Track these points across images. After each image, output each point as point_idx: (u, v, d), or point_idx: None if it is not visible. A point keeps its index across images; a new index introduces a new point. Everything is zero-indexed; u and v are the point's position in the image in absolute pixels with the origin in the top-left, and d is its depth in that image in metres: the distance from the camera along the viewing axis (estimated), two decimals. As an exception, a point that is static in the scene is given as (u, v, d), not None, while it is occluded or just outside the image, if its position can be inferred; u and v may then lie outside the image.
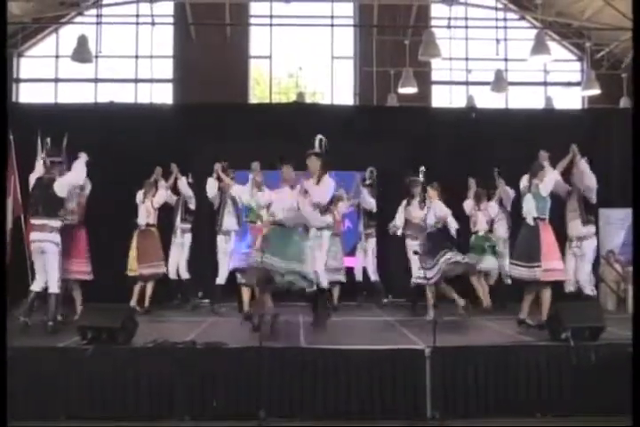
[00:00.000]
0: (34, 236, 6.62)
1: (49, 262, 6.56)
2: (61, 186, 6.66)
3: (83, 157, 6.95)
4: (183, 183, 8.66)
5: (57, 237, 6.61)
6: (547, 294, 6.68)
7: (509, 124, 10.00)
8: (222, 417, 5.04)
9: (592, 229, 7.22)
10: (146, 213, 8.35)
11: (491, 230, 8.58)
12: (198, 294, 9.14)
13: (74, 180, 6.79)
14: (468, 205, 8.63)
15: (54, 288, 6.53)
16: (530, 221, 6.74)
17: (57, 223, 6.63)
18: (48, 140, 7.11)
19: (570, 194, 7.21)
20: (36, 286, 6.63)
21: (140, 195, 8.44)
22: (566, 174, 7.14)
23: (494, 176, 8.57)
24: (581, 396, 5.20)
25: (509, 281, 8.60)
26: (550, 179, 6.75)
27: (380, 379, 5.16)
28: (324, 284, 6.89)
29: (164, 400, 5.09)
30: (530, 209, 6.74)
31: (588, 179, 6.98)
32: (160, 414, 5.07)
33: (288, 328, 6.73)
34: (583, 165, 6.99)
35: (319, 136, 6.82)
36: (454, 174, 9.05)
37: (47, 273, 6.57)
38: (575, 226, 7.12)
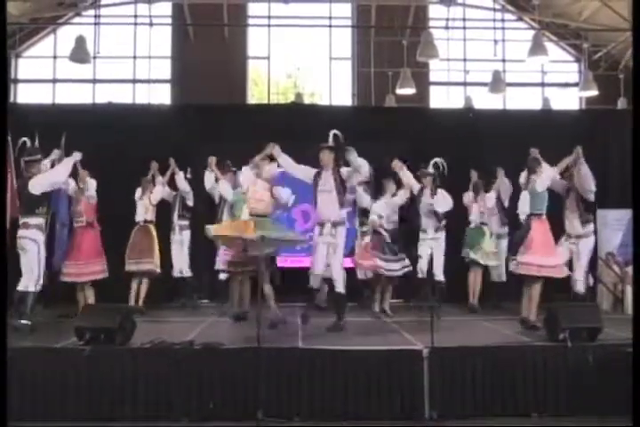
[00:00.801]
0: (18, 233, 6.66)
1: (28, 260, 6.57)
2: (34, 185, 6.69)
3: (73, 157, 7.00)
4: (180, 178, 8.65)
5: (35, 234, 6.61)
6: (535, 291, 6.69)
7: (507, 124, 10.00)
8: (220, 418, 5.04)
9: (591, 228, 7.28)
10: (144, 209, 8.35)
11: (484, 223, 8.60)
12: (199, 295, 9.13)
13: (48, 179, 6.77)
14: (467, 196, 8.66)
15: (32, 286, 6.51)
16: (522, 216, 6.78)
17: (35, 221, 6.65)
18: (26, 140, 7.11)
19: (568, 192, 7.24)
20: (20, 285, 6.59)
21: (138, 192, 8.44)
22: (565, 173, 7.17)
23: (495, 172, 8.60)
24: (578, 396, 5.21)
25: (504, 278, 8.65)
26: (547, 176, 6.78)
27: (377, 379, 5.17)
28: (341, 289, 6.73)
29: (162, 401, 5.09)
30: (524, 205, 6.76)
31: (588, 182, 7.03)
32: (158, 415, 5.06)
33: (286, 329, 6.74)
34: (585, 168, 7.03)
35: (334, 131, 6.84)
36: (452, 174, 9.05)
37: (27, 271, 6.56)
38: (574, 225, 7.17)
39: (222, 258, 7.70)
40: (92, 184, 7.75)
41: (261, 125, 9.56)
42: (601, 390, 5.16)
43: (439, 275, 8.10)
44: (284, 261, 9.49)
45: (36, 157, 6.91)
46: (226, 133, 9.59)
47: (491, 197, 8.56)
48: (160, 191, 8.45)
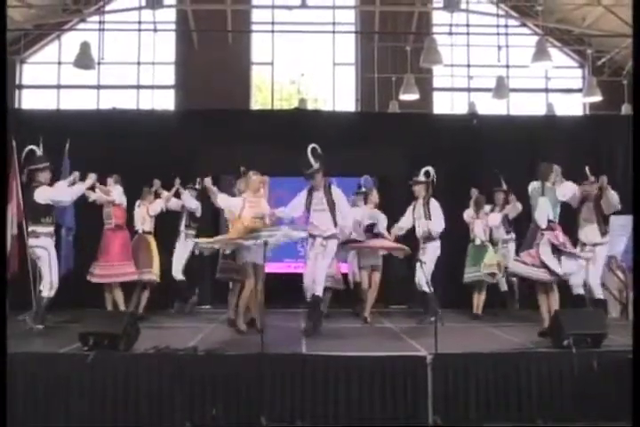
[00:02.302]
0: (29, 242, 6.91)
1: (41, 267, 6.82)
2: (39, 194, 6.83)
3: (86, 182, 7.13)
4: (186, 196, 8.70)
5: (44, 242, 6.81)
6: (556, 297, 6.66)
7: (511, 130, 10.00)
8: (223, 424, 5.04)
9: (607, 238, 7.39)
10: (141, 219, 8.37)
11: (489, 240, 8.57)
12: (200, 301, 9.13)
13: (52, 195, 6.87)
14: (468, 213, 8.59)
15: (46, 292, 6.75)
16: (543, 225, 6.70)
17: (43, 229, 6.81)
18: (33, 148, 7.13)
19: (583, 203, 7.28)
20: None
21: (138, 202, 8.46)
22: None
23: (498, 178, 8.60)
24: (583, 402, 5.20)
25: (505, 288, 8.65)
26: (570, 188, 6.78)
27: (381, 385, 5.15)
28: (319, 292, 6.77)
29: (165, 407, 5.08)
30: (544, 212, 6.69)
31: (615, 204, 7.21)
32: (161, 421, 5.05)
33: (289, 334, 6.73)
34: (611, 193, 7.19)
35: (311, 146, 6.83)
36: (456, 181, 9.06)
37: (42, 277, 6.80)
38: (591, 234, 7.24)
39: (221, 266, 7.72)
40: (117, 190, 7.82)
41: (265, 131, 9.58)
42: (606, 395, 5.15)
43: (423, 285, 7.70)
44: (286, 267, 9.51)
45: (41, 165, 6.96)
46: (229, 139, 9.60)
47: (494, 218, 8.51)
48: (160, 204, 8.48)
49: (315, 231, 6.88)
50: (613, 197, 7.26)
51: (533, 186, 6.90)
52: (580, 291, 7.17)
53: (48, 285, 6.76)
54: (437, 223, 7.76)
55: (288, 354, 5.46)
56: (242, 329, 6.78)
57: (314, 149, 6.82)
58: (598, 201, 7.35)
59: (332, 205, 6.77)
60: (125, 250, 7.83)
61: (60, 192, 6.96)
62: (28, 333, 6.56)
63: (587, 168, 7.37)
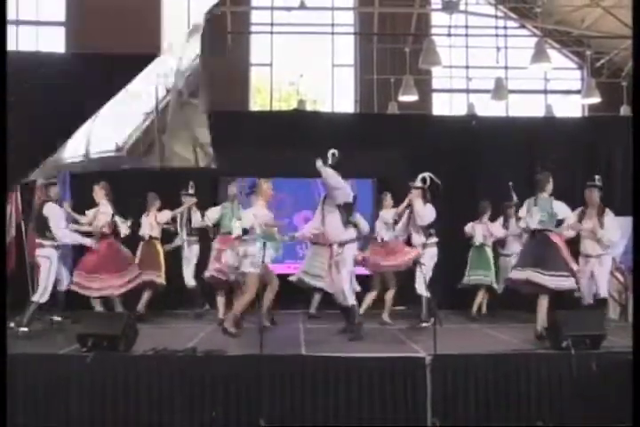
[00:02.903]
0: (35, 252, 7.06)
1: (40, 274, 6.93)
2: (47, 212, 6.97)
3: (84, 241, 7.35)
4: (198, 216, 8.71)
5: (49, 252, 6.95)
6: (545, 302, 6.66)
7: (510, 131, 10.01)
8: (223, 426, 5.03)
9: (609, 249, 7.35)
10: (149, 226, 8.39)
11: (486, 244, 8.58)
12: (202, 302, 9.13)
13: (56, 224, 6.96)
14: (469, 225, 8.63)
15: (37, 297, 6.83)
16: (532, 224, 6.73)
17: (49, 242, 6.96)
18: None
19: (583, 215, 7.25)
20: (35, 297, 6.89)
21: (144, 217, 8.45)
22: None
23: (510, 192, 8.61)
24: (582, 404, 5.20)
25: (500, 291, 8.65)
26: (563, 210, 6.85)
27: (380, 387, 5.16)
28: (351, 302, 6.76)
29: (165, 408, 5.08)
30: (536, 216, 6.71)
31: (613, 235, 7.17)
32: (160, 423, 5.05)
33: (289, 335, 6.73)
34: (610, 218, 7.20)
35: (332, 151, 6.80)
36: (455, 182, 9.05)
37: (39, 284, 6.90)
38: (594, 246, 7.19)
39: (213, 266, 7.81)
40: (104, 214, 7.68)
41: (264, 132, 9.58)
42: (605, 397, 5.15)
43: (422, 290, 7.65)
44: (287, 269, 9.51)
45: (54, 180, 7.16)
46: (228, 140, 9.58)
47: (497, 229, 8.54)
48: (168, 215, 8.50)
49: (329, 239, 6.92)
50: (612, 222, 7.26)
51: (528, 200, 6.93)
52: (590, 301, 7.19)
53: (41, 291, 6.83)
54: (426, 216, 7.70)
55: (287, 355, 5.47)
56: (234, 333, 6.70)
57: (334, 154, 6.76)
58: (601, 215, 7.29)
59: (339, 207, 6.76)
60: (111, 260, 7.58)
61: (53, 220, 6.99)
62: (26, 334, 6.56)
63: (597, 177, 7.34)
